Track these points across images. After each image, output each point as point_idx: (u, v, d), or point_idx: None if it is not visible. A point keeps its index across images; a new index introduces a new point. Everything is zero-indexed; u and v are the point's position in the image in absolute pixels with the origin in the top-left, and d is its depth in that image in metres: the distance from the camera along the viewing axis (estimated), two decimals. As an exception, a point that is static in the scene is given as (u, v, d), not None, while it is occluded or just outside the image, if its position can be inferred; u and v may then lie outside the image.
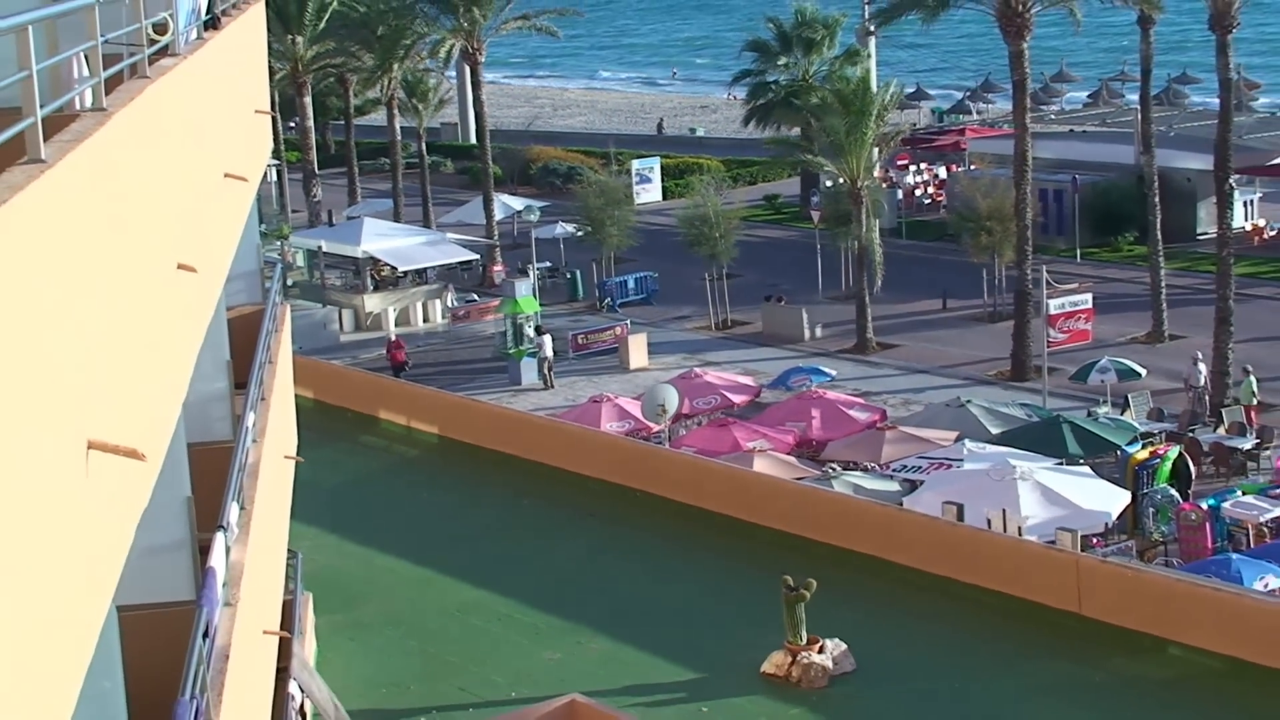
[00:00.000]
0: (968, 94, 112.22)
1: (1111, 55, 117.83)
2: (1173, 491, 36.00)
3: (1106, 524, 33.85)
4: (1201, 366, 46.07)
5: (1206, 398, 45.07)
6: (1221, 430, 43.02)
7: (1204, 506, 35.00)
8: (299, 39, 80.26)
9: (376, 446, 40.63)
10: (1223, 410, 44.49)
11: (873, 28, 71.41)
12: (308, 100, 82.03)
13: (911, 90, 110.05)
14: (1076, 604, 27.70)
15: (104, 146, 8.64)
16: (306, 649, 25.27)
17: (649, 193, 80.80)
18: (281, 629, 18.32)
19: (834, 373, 50.65)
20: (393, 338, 56.80)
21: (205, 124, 14.75)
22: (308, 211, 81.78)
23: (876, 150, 60.61)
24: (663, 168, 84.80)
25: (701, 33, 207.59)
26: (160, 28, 12.57)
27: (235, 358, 19.15)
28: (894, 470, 37.95)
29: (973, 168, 75.48)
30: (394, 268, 63.47)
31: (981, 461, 35.71)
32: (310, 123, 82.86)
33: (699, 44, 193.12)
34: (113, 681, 9.80)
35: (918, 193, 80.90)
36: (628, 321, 59.13)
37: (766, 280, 63.88)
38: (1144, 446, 38.56)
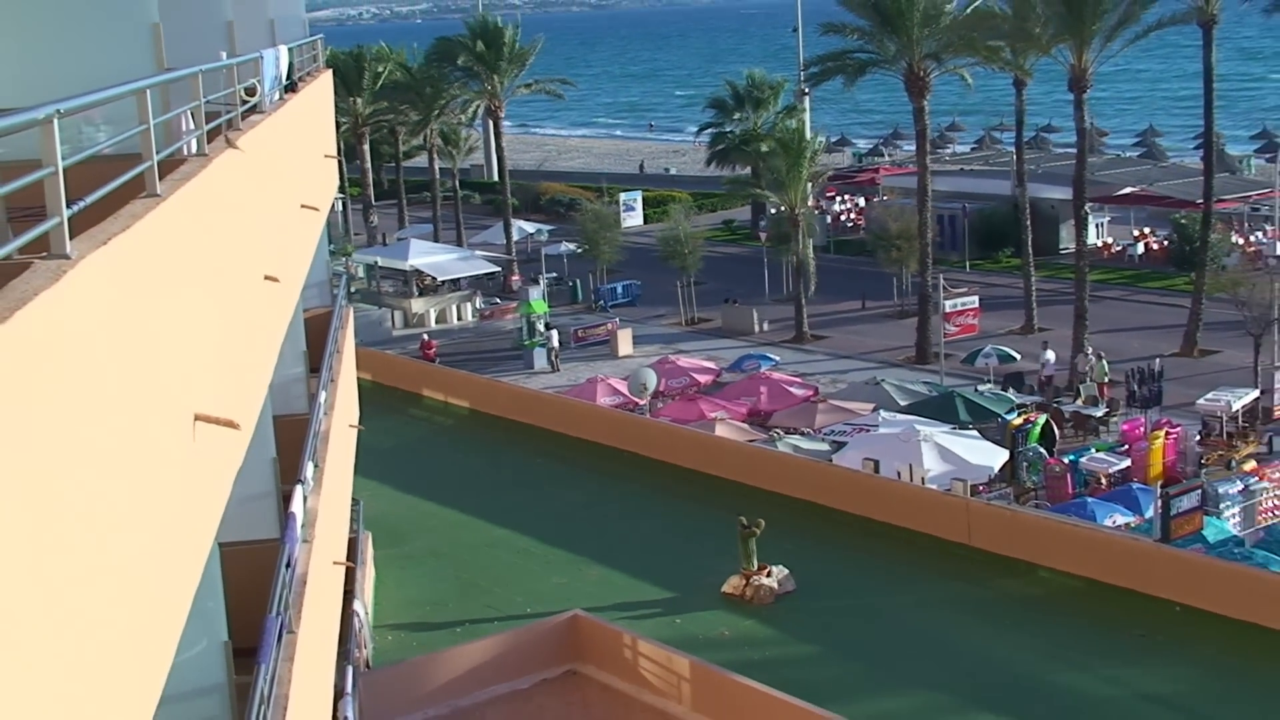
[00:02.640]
0: (881, 141, 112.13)
1: (992, 110, 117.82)
2: (1041, 449, 36.06)
3: (990, 475, 33.91)
4: (1092, 357, 46.05)
5: (1090, 380, 45.03)
6: (1079, 402, 43.11)
7: (1066, 461, 35.09)
8: (359, 99, 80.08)
9: (421, 418, 40.59)
10: (1080, 386, 44.52)
11: (807, 89, 71.30)
12: (366, 147, 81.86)
13: (837, 138, 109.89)
14: (967, 537, 27.76)
15: (206, 184, 8.62)
16: (366, 577, 25.26)
17: (633, 218, 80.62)
18: (347, 561, 18.29)
19: (778, 358, 50.65)
20: (425, 338, 56.62)
21: (285, 166, 14.71)
22: (366, 234, 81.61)
23: (810, 185, 60.54)
24: (644, 199, 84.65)
25: (633, 98, 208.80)
26: (250, 90, 12.53)
27: (310, 348, 19.11)
28: (825, 434, 37.98)
29: (885, 198, 75.44)
30: (434, 278, 63.38)
31: (893, 427, 35.74)
32: (368, 164, 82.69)
33: (621, 108, 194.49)
34: (215, 602, 9.79)
35: (843, 218, 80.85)
36: (617, 319, 59.07)
37: (725, 286, 63.84)
38: (1019, 414, 38.62)
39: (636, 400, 42.81)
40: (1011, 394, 42.42)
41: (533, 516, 30.94)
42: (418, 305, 62.94)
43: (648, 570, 27.39)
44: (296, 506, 12.21)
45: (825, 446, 36.25)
